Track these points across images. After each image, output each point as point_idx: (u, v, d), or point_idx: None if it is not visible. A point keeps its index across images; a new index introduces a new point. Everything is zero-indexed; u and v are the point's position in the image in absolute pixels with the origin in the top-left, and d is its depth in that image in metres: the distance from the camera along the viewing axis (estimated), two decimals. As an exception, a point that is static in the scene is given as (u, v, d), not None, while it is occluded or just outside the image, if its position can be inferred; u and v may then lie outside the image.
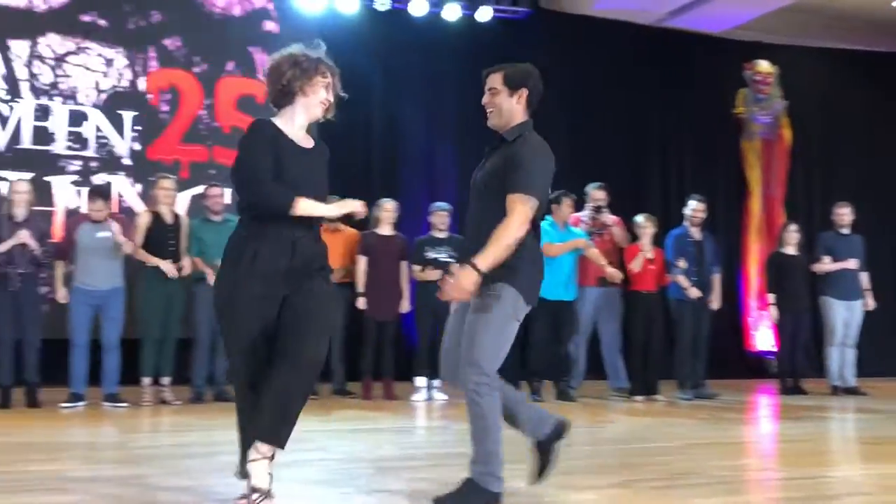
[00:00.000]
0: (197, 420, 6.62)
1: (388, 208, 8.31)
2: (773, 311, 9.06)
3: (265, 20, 9.97)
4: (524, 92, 3.63)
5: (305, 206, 3.39)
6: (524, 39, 10.83)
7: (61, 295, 7.36)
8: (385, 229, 8.29)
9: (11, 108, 9.03)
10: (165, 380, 7.65)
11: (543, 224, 8.19)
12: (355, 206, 3.59)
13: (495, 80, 3.64)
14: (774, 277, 9.12)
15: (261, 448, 3.30)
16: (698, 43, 11.58)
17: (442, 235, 8.29)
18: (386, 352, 8.20)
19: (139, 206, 8.89)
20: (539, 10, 10.95)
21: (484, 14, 10.40)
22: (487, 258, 3.37)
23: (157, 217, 7.63)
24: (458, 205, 9.42)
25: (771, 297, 9.10)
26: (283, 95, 3.51)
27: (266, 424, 3.30)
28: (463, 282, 3.36)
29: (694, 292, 8.32)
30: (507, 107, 3.63)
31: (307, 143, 3.58)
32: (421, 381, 8.11)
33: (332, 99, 3.62)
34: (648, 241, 8.45)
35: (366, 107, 10.23)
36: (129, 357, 7.56)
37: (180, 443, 5.58)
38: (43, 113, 9.15)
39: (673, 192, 11.33)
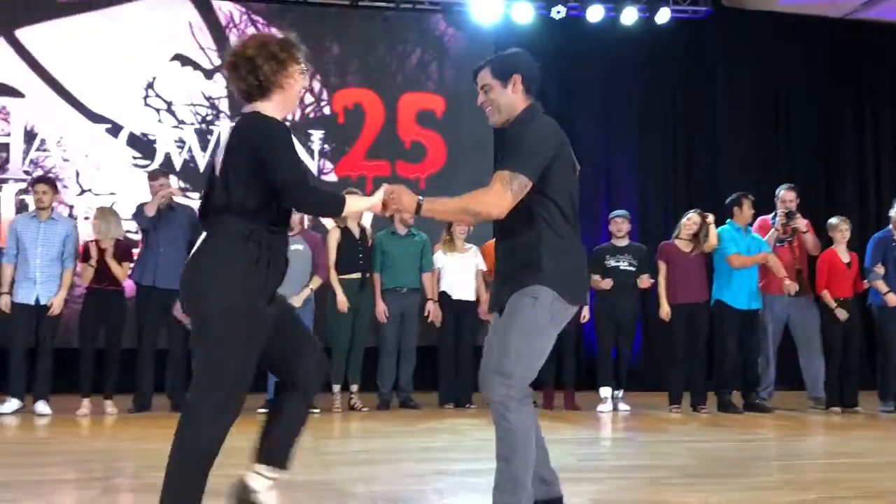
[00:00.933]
0: (382, 426, 6.78)
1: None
2: None
3: (441, 34, 10.13)
4: (517, 78, 3.26)
5: (352, 204, 3.09)
6: (705, 40, 10.60)
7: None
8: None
9: (212, 130, 9.58)
10: (354, 387, 7.90)
11: (726, 227, 7.98)
12: (386, 191, 3.13)
13: (484, 76, 3.29)
14: None
15: (273, 473, 3.18)
16: (893, 33, 10.94)
17: (622, 244, 8.15)
18: (566, 361, 8.14)
19: (329, 223, 9.20)
20: (720, 9, 10.64)
21: (663, 16, 10.19)
22: (435, 202, 3.15)
23: (345, 232, 7.86)
24: (638, 212, 9.30)
25: None
26: (257, 91, 3.08)
27: (286, 455, 3.19)
28: (404, 196, 3.09)
29: (892, 299, 7.84)
30: (505, 100, 3.27)
31: None
32: (605, 391, 8.00)
33: (307, 85, 3.29)
34: (843, 245, 8.04)
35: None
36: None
37: (368, 448, 5.72)
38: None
39: (870, 193, 10.79)
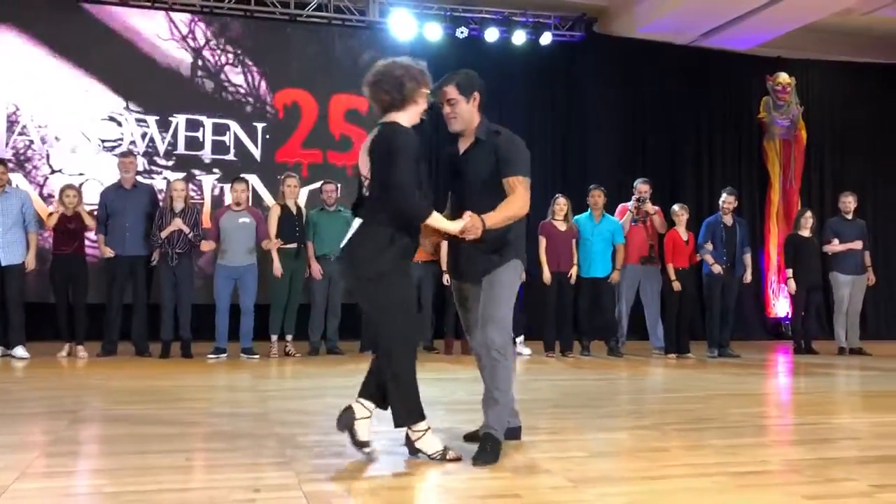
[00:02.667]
0: (311, 369, 6.78)
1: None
2: (791, 284, 8.80)
3: (366, 46, 10.05)
4: (477, 95, 3.36)
5: (434, 219, 3.14)
6: (580, 59, 10.74)
7: (206, 246, 7.50)
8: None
9: (171, 121, 9.35)
10: (289, 337, 7.86)
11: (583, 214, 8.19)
12: (467, 224, 3.17)
13: (451, 91, 3.34)
14: (792, 255, 8.86)
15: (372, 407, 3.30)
16: (727, 59, 11.32)
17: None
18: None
19: (270, 200, 9.10)
20: (592, 34, 10.81)
21: (546, 38, 10.31)
22: (495, 218, 3.22)
23: (284, 208, 7.80)
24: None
25: (789, 272, 8.84)
26: (399, 103, 3.19)
27: (384, 396, 3.31)
28: (478, 224, 3.16)
29: (717, 268, 8.17)
30: (468, 113, 3.35)
31: None
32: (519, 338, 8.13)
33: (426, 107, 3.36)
34: (683, 227, 8.32)
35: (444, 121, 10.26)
36: (261, 319, 7.78)
37: (298, 387, 5.73)
38: (193, 125, 9.45)
39: (705, 185, 11.16)
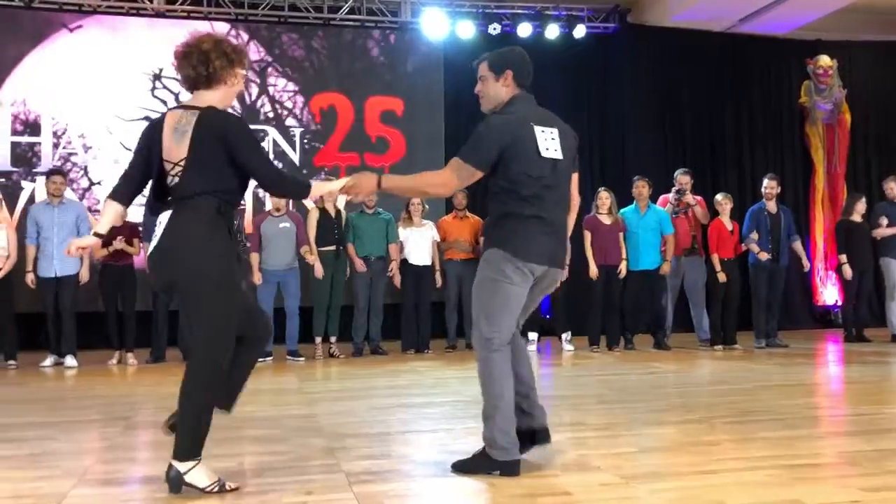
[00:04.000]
0: (356, 370, 6.82)
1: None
2: (846, 270, 8.58)
3: (399, 47, 10.08)
4: (509, 73, 3.13)
5: (316, 188, 3.00)
6: (615, 50, 10.64)
7: (257, 278, 7.58)
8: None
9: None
10: (333, 338, 7.92)
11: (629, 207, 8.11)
12: (344, 182, 3.02)
13: (482, 68, 3.16)
14: (844, 240, 8.66)
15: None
16: (766, 43, 11.11)
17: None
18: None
19: (310, 204, 9.16)
20: (626, 25, 10.70)
21: (579, 31, 10.23)
22: (393, 179, 3.13)
23: (323, 211, 7.85)
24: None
25: (842, 258, 8.64)
26: (204, 81, 2.87)
27: (233, 400, 3.04)
28: (363, 182, 3.00)
29: (763, 255, 8.04)
30: (494, 91, 3.14)
31: None
32: (532, 335, 8.13)
33: (242, 89, 3.07)
34: (727, 216, 8.20)
35: (483, 115, 10.25)
36: (305, 321, 7.84)
37: (344, 388, 5.76)
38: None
39: (747, 174, 10.98)
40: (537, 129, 3.07)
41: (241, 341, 2.88)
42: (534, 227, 3.01)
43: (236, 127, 2.83)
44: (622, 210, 8.19)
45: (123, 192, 2.99)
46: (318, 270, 7.63)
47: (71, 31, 9.18)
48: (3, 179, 8.86)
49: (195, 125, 2.79)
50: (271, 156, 9.61)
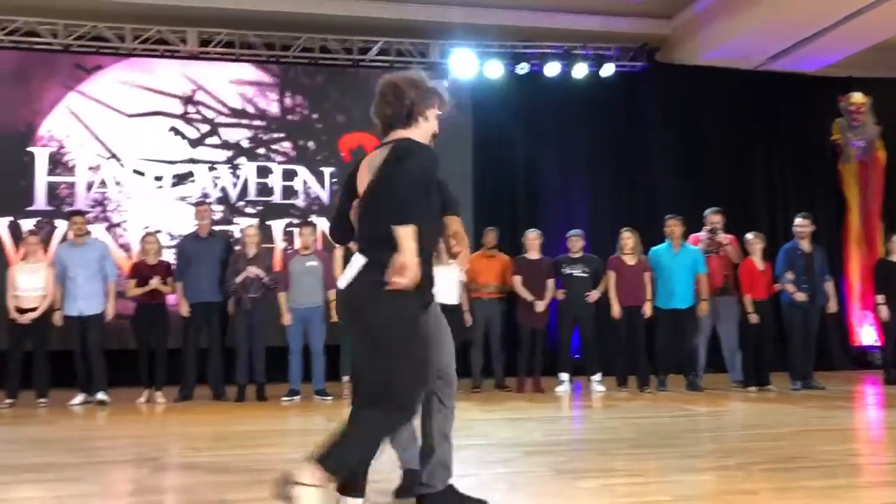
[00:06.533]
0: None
1: (532, 237, 8.29)
2: (883, 311, 8.41)
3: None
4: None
5: (410, 234, 2.55)
6: (643, 89, 10.65)
7: (287, 319, 7.59)
8: (533, 254, 8.27)
9: (241, 168, 9.61)
10: (362, 377, 7.86)
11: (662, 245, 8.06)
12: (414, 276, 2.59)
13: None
14: (881, 281, 8.50)
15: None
16: (797, 81, 11.04)
17: (576, 255, 8.20)
18: (537, 353, 8.17)
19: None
20: (654, 64, 10.72)
21: (607, 70, 10.26)
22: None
23: (348, 250, 7.85)
24: (590, 230, 9.34)
25: (879, 298, 8.47)
26: (404, 117, 2.83)
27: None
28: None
29: (800, 296, 7.90)
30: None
31: None
32: (564, 375, 8.03)
33: (437, 131, 2.94)
34: (759, 256, 8.09)
35: (511, 154, 10.32)
36: (333, 359, 7.82)
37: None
38: (263, 172, 9.69)
39: (779, 212, 10.86)
40: None
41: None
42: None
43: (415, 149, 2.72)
44: (654, 248, 8.14)
45: (338, 231, 3.00)
46: (334, 316, 7.58)
47: (101, 72, 9.39)
48: (40, 219, 9.02)
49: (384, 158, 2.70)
50: (301, 195, 9.69)
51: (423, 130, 2.85)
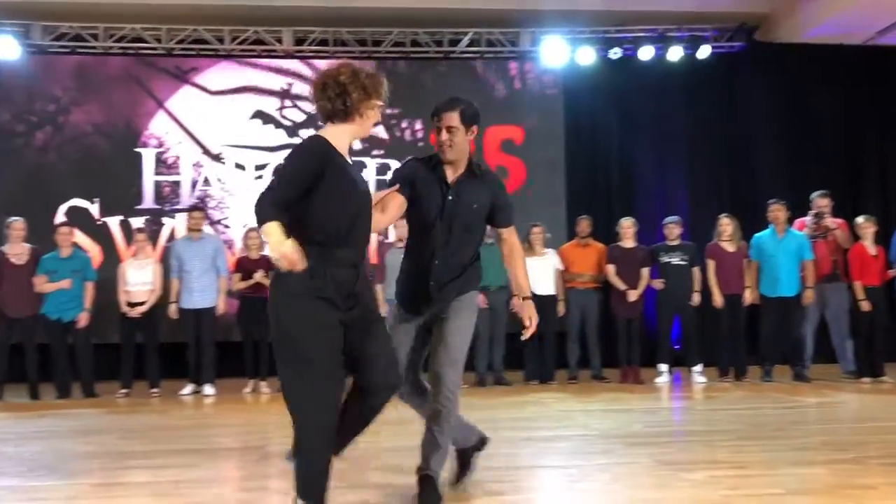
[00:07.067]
0: (479, 400, 6.78)
1: (626, 225, 8.14)
2: None
3: (518, 76, 10.11)
4: (475, 128, 3.22)
5: (269, 230, 2.54)
6: (741, 70, 10.26)
7: (384, 310, 7.71)
8: (627, 242, 8.12)
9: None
10: (456, 368, 7.92)
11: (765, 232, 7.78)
12: (291, 260, 2.54)
13: (452, 118, 3.17)
14: None
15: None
16: (904, 56, 10.42)
17: (674, 243, 8.01)
18: (634, 343, 8.03)
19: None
20: (753, 44, 10.31)
21: (703, 52, 9.94)
22: (522, 287, 3.28)
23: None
24: (688, 217, 9.09)
25: None
26: (341, 114, 2.81)
27: (338, 445, 2.92)
28: (534, 314, 3.19)
29: (914, 284, 7.51)
30: (464, 144, 3.19)
31: (349, 158, 2.91)
32: (663, 366, 7.87)
33: (379, 120, 2.95)
34: (870, 240, 7.71)
35: (604, 141, 10.14)
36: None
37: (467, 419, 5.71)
38: (357, 167, 9.85)
39: (892, 194, 10.29)
40: None
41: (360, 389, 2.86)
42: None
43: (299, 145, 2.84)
44: (757, 235, 7.86)
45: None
46: None
47: (202, 72, 9.73)
48: (148, 217, 9.44)
49: None
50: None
51: (361, 127, 2.88)
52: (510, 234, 3.31)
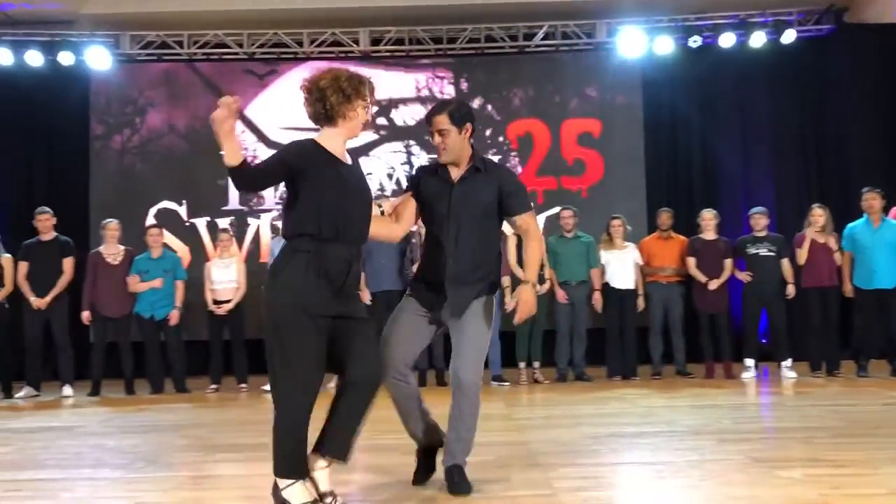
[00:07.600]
0: (561, 396, 6.71)
1: (707, 217, 7.91)
2: None
3: (595, 68, 9.95)
4: (469, 126, 3.24)
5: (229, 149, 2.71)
6: (830, 54, 9.83)
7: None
8: (709, 234, 7.89)
9: (413, 160, 9.83)
10: (536, 363, 7.86)
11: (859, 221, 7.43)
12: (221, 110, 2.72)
13: (442, 121, 3.20)
14: None
15: (325, 461, 3.00)
16: None
17: (760, 234, 7.74)
18: (721, 337, 7.79)
19: (509, 230, 9.22)
20: (842, 26, 9.87)
21: (788, 36, 9.56)
22: (535, 273, 3.30)
23: (520, 240, 7.82)
24: (774, 208, 8.76)
25: None
26: (323, 118, 2.94)
27: (337, 444, 3.00)
28: (531, 299, 3.23)
29: None
30: (459, 144, 3.22)
31: (347, 159, 3.01)
32: (749, 361, 7.61)
33: (370, 117, 3.06)
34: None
35: (685, 132, 9.89)
36: (508, 346, 7.82)
37: (551, 415, 5.67)
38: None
39: None
40: None
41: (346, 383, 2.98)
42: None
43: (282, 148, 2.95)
44: (851, 225, 7.53)
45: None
46: (508, 304, 7.56)
47: (281, 76, 9.92)
48: (233, 217, 9.67)
49: None
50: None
51: (348, 129, 2.99)
52: (525, 221, 3.30)
